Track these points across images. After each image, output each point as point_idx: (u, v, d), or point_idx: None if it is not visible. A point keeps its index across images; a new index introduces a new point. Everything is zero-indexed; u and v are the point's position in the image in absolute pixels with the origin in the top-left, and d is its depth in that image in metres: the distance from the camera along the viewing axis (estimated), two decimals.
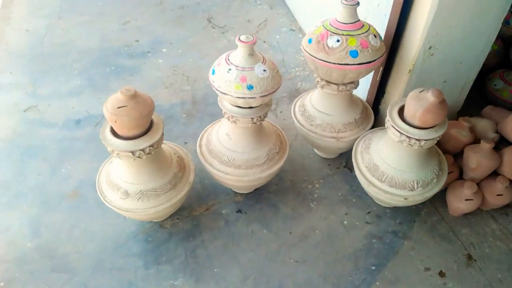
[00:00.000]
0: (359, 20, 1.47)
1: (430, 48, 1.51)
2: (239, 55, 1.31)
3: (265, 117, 1.44)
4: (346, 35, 1.43)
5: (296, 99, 1.84)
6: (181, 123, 2.00)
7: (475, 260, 1.52)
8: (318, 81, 1.60)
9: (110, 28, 2.72)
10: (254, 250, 1.50)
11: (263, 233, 1.56)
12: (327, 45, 1.43)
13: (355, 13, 1.45)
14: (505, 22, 2.26)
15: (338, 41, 1.42)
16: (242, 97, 1.28)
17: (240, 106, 1.36)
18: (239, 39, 1.29)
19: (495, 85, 2.07)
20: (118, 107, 1.16)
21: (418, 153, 1.43)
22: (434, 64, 1.57)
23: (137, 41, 2.60)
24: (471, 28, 1.50)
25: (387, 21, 1.60)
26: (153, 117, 1.30)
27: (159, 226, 1.55)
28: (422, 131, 1.34)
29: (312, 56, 1.47)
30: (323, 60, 1.44)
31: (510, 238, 1.59)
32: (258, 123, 1.42)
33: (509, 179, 1.59)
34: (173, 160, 1.43)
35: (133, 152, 1.22)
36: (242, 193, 1.70)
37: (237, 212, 1.62)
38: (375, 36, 1.46)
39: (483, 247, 1.56)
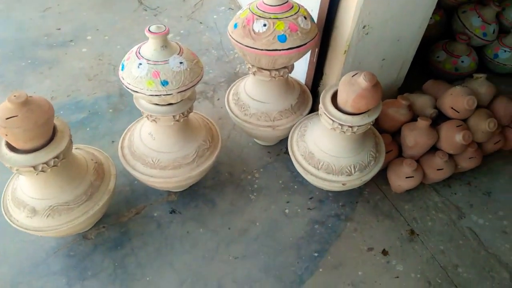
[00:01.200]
0: (287, 2, 1.34)
1: (364, 27, 1.42)
2: (150, 47, 1.16)
3: (189, 112, 1.31)
4: (273, 18, 1.30)
5: (230, 86, 1.71)
6: (107, 119, 1.83)
7: (417, 234, 1.50)
8: (249, 67, 1.47)
9: (28, 16, 2.45)
10: (190, 252, 1.40)
11: (199, 232, 1.46)
12: (253, 30, 1.30)
13: None
14: None
15: (264, 25, 1.30)
16: (156, 95, 1.14)
17: (158, 104, 1.22)
18: (149, 30, 1.14)
19: (437, 57, 2.03)
20: (7, 118, 0.99)
21: (353, 138, 1.36)
22: (370, 43, 1.49)
23: (59, 29, 2.35)
24: (406, 4, 1.41)
25: (319, 1, 1.48)
26: (56, 123, 1.14)
27: (83, 237, 1.41)
28: (355, 118, 1.26)
29: (238, 42, 1.34)
30: (249, 47, 1.31)
31: (452, 209, 1.58)
32: (182, 119, 1.29)
33: (448, 153, 1.56)
34: (90, 167, 1.28)
35: (34, 167, 1.06)
36: (176, 192, 1.58)
37: (170, 212, 1.51)
38: (305, 18, 1.34)
39: (425, 220, 1.54)
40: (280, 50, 1.30)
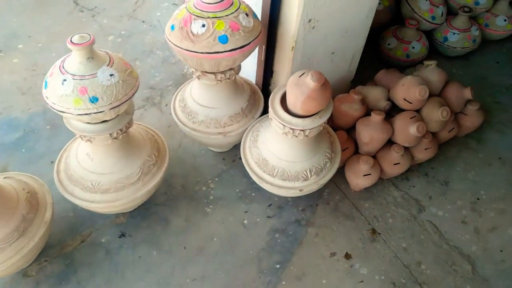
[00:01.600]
0: None
1: (310, 21, 1.35)
2: (75, 60, 1.04)
3: (128, 127, 1.21)
4: (213, 17, 1.21)
5: (176, 92, 1.61)
6: (45, 138, 1.68)
7: (379, 233, 1.47)
8: (192, 71, 1.38)
9: None
10: (143, 279, 1.30)
11: (152, 256, 1.36)
12: (191, 31, 1.20)
13: None
14: None
15: (203, 26, 1.20)
16: (86, 114, 1.03)
17: (90, 123, 1.11)
18: (70, 41, 1.02)
19: (388, 44, 2.00)
20: None
21: (306, 141, 1.30)
22: (318, 37, 1.43)
23: None
24: None
25: None
26: None
27: (22, 275, 1.28)
28: (306, 120, 1.20)
29: (177, 46, 1.23)
30: (189, 50, 1.21)
31: (411, 203, 1.56)
32: (121, 136, 1.18)
33: (404, 146, 1.53)
34: (21, 199, 1.15)
35: None
36: (125, 213, 1.46)
37: (119, 237, 1.40)
38: (247, 15, 1.26)
39: (386, 217, 1.52)
40: (222, 52, 1.21)
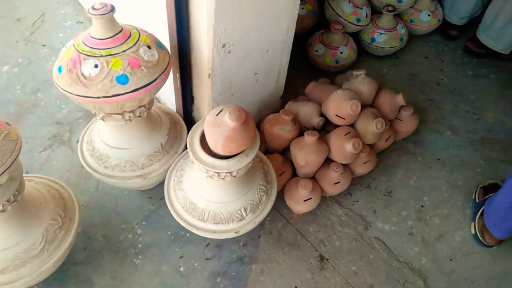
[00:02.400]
0: (121, 31, 1.09)
1: (224, 46, 1.23)
2: None
3: (19, 193, 1.02)
4: (107, 55, 1.05)
5: (83, 131, 1.43)
6: None
7: (327, 259, 1.41)
8: (95, 112, 1.21)
9: None
10: None
11: None
12: (82, 74, 1.04)
13: (112, 23, 1.08)
14: None
15: (96, 66, 1.04)
16: None
17: None
18: None
19: (316, 51, 1.93)
20: None
21: (236, 180, 1.19)
22: (236, 60, 1.32)
23: None
24: (265, 14, 1.25)
25: (167, 20, 1.25)
26: None
27: None
28: (231, 161, 1.08)
29: (67, 92, 1.06)
30: (82, 96, 1.05)
31: (356, 220, 1.51)
32: (10, 206, 1.00)
33: (342, 163, 1.47)
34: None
35: None
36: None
37: None
38: (149, 47, 1.11)
39: (332, 240, 1.45)
40: (123, 94, 1.06)
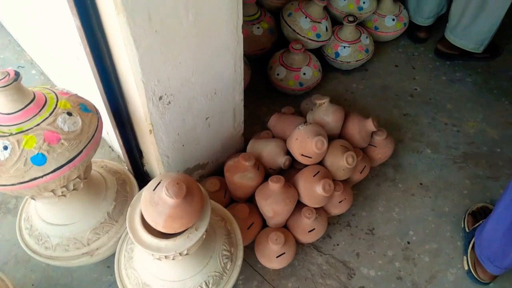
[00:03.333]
0: (34, 99, 0.95)
1: (161, 98, 1.09)
2: None
3: None
4: (17, 133, 0.91)
5: (20, 207, 1.27)
6: None
7: None
8: None
9: None
10: None
11: None
12: None
13: (20, 92, 0.93)
14: None
15: (6, 148, 0.89)
16: None
17: None
18: None
19: (278, 74, 1.80)
20: None
21: (191, 254, 1.04)
22: (180, 110, 1.18)
23: None
24: (203, 56, 1.11)
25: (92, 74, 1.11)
26: None
27: None
28: (179, 240, 0.95)
29: None
30: None
31: (339, 268, 1.38)
32: None
33: (315, 207, 1.33)
34: None
35: None
36: None
37: None
38: (69, 114, 0.97)
39: None
40: (41, 176, 0.91)
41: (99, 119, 1.04)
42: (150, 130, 1.14)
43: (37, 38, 1.66)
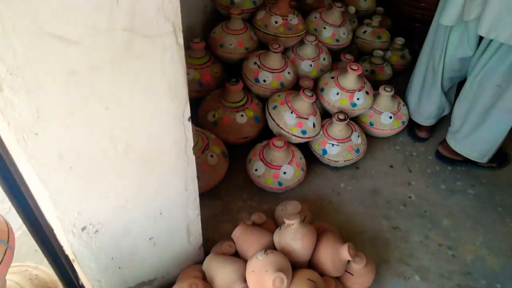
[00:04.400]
0: None
1: (84, 228, 0.94)
2: None
3: None
4: None
5: None
6: None
7: None
8: None
9: None
10: None
11: None
12: None
13: None
14: None
15: None
16: None
17: None
18: None
19: (256, 170, 1.66)
20: None
21: None
22: (112, 236, 1.04)
23: None
24: (141, 183, 0.97)
25: None
26: None
27: None
28: None
29: None
30: None
31: None
32: None
33: None
34: None
35: None
36: None
37: None
38: None
39: None
40: None
41: (6, 249, 0.90)
42: (73, 260, 0.99)
43: None
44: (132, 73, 0.78)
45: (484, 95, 1.57)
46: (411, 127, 2.00)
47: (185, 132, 0.97)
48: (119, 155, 0.86)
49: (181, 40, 0.82)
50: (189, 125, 0.96)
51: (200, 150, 1.59)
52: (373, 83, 2.03)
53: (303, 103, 1.70)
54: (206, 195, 1.65)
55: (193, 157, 1.05)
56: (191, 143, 1.00)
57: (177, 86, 0.87)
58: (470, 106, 1.66)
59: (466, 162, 1.84)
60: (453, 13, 1.45)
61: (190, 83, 1.89)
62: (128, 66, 0.76)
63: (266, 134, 1.81)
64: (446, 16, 1.49)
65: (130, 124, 0.84)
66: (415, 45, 2.28)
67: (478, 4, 1.42)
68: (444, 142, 1.87)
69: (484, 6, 1.39)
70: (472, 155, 1.75)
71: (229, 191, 1.72)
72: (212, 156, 1.62)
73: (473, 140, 1.71)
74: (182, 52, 0.84)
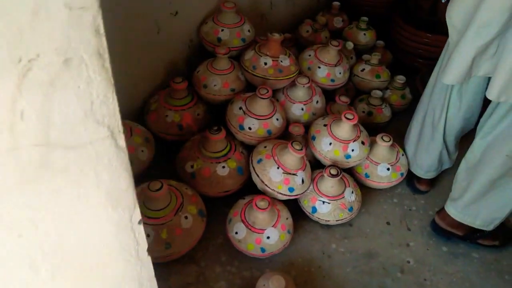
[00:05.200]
0: None
1: None
2: None
3: None
4: None
5: None
6: None
7: None
8: None
9: None
10: None
11: None
12: None
13: None
14: None
15: None
16: None
17: None
18: None
19: (236, 233, 1.50)
20: None
21: None
22: None
23: None
24: None
25: None
26: None
27: None
28: None
29: None
30: None
31: None
32: None
33: None
34: None
35: None
36: None
37: None
38: None
39: None
40: None
41: None
42: None
43: None
44: (53, 191, 0.60)
45: (492, 165, 1.37)
46: (410, 178, 1.82)
47: (135, 237, 0.79)
48: (45, 281, 0.69)
49: (122, 142, 0.64)
50: (140, 228, 0.79)
51: (173, 212, 1.42)
52: (370, 125, 1.87)
53: (292, 157, 1.52)
54: (180, 259, 1.48)
55: (148, 258, 0.87)
56: (144, 246, 0.83)
57: (119, 193, 0.70)
58: (474, 172, 1.44)
59: (465, 239, 1.62)
60: (459, 71, 1.27)
61: (169, 126, 1.72)
62: (45, 184, 0.59)
63: (250, 185, 1.64)
64: (449, 74, 1.30)
65: (58, 243, 0.67)
66: (417, 83, 2.12)
67: (489, 56, 1.24)
68: (442, 212, 1.62)
69: (497, 61, 1.21)
70: (476, 223, 1.54)
71: (206, 253, 1.55)
72: (186, 217, 1.44)
73: (477, 207, 1.50)
74: (125, 155, 0.66)
